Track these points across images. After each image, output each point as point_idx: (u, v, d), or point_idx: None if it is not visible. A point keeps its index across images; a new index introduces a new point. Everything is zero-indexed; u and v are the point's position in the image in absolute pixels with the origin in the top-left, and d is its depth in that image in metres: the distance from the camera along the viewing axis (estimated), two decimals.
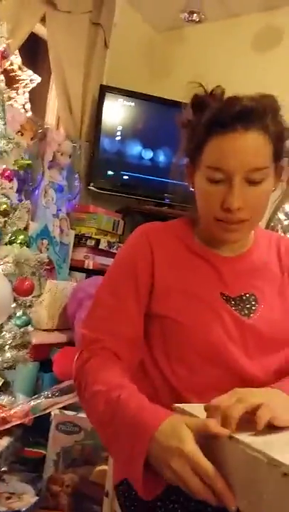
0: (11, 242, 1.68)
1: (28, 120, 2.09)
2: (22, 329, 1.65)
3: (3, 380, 1.68)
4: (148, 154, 2.67)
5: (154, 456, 0.67)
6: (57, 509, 1.59)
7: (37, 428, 1.72)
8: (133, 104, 2.66)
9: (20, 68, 2.24)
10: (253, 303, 0.93)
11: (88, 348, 0.90)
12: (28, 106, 2.26)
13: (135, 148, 2.65)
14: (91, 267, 2.42)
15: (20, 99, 2.23)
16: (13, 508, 1.49)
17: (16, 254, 1.64)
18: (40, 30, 2.48)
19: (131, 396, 0.76)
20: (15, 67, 2.20)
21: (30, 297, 1.69)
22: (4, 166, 1.67)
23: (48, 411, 1.66)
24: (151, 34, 3.12)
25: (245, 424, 0.65)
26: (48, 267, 1.85)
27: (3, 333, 1.65)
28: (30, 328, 1.71)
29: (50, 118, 2.66)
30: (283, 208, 2.64)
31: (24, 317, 1.63)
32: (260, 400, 0.68)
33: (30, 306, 1.67)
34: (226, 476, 0.61)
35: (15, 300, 1.66)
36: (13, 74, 2.20)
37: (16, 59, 2.22)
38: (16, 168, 1.72)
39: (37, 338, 1.79)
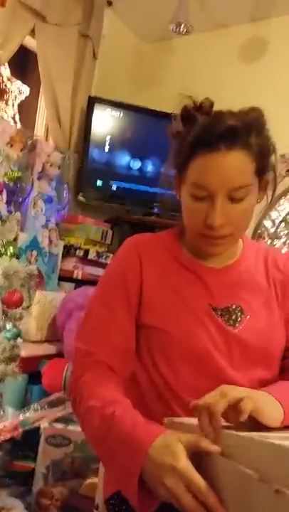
0: (0, 254, 1.68)
1: (17, 132, 2.09)
2: (11, 342, 1.65)
3: None
4: (136, 164, 2.69)
5: (148, 473, 0.68)
6: None
7: (26, 441, 1.71)
8: (122, 114, 2.68)
9: (9, 79, 2.25)
10: (239, 314, 0.95)
11: (82, 361, 0.92)
12: (17, 117, 2.26)
13: (124, 159, 2.67)
14: (80, 277, 2.41)
15: (9, 111, 2.24)
16: None
17: (6, 266, 1.64)
18: (30, 42, 2.49)
19: (125, 412, 0.78)
20: (4, 79, 2.21)
21: (19, 309, 1.69)
22: None
23: (37, 424, 1.65)
24: (139, 45, 3.15)
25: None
26: (37, 279, 1.85)
27: None
28: (19, 340, 1.70)
29: (39, 129, 2.67)
30: (270, 215, 2.67)
31: (14, 330, 1.63)
32: (243, 394, 0.70)
33: (20, 318, 1.67)
34: (218, 492, 0.63)
35: (5, 313, 1.66)
36: (3, 85, 2.20)
37: (5, 71, 2.23)
38: (6, 181, 1.72)
39: (26, 350, 1.78)
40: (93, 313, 0.97)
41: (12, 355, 1.68)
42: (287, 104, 2.56)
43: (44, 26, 2.41)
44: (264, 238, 2.68)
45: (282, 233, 2.65)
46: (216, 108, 0.91)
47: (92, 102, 2.62)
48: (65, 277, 2.40)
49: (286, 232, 2.65)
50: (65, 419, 1.68)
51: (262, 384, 0.90)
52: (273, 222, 2.67)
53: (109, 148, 2.64)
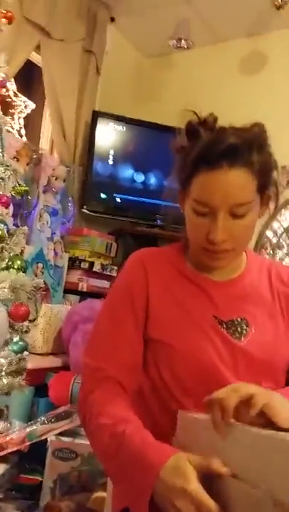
0: (8, 268, 1.69)
1: (23, 146, 2.11)
2: (18, 355, 1.65)
3: None
4: (140, 177, 2.72)
5: (159, 494, 0.68)
6: None
7: (33, 454, 1.70)
8: (125, 128, 2.72)
9: (15, 94, 2.28)
10: (245, 327, 0.95)
11: (91, 376, 0.92)
12: (23, 131, 2.29)
13: (127, 172, 2.70)
14: (85, 290, 2.43)
15: (15, 125, 2.27)
16: None
17: (12, 279, 1.64)
18: (35, 57, 2.53)
19: (136, 431, 0.78)
20: (10, 93, 2.24)
21: (26, 322, 1.69)
22: (1, 193, 1.69)
23: (44, 437, 1.65)
24: (141, 60, 3.20)
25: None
26: (43, 292, 1.86)
27: None
28: (26, 353, 1.71)
29: (44, 143, 2.70)
30: (271, 225, 2.69)
31: (21, 343, 1.63)
32: (255, 390, 0.71)
33: (26, 331, 1.67)
34: None
35: (12, 326, 1.66)
36: (9, 100, 2.23)
37: (11, 85, 2.26)
38: (14, 195, 1.74)
39: (32, 363, 1.78)
40: (101, 328, 0.98)
41: (19, 369, 1.68)
42: (286, 116, 2.60)
43: (49, 42, 2.45)
44: (266, 248, 2.70)
45: (284, 243, 2.67)
46: (218, 118, 0.93)
47: (95, 116, 2.66)
48: (70, 289, 2.41)
49: (288, 242, 2.67)
50: (72, 433, 1.68)
51: None
52: (275, 232, 2.69)
53: (113, 162, 2.68)
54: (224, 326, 0.94)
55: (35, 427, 1.66)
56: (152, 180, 2.73)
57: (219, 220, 0.87)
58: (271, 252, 2.68)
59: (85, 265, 2.44)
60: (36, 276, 2.07)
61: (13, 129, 2.22)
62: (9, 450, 1.60)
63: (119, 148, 2.70)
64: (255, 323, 0.96)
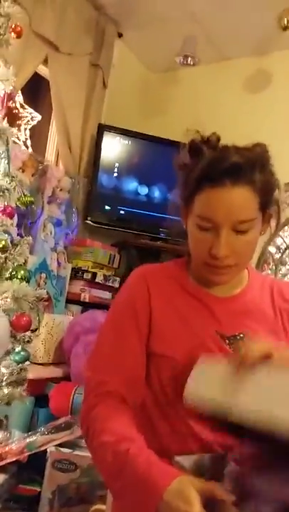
0: (11, 277, 1.70)
1: (29, 157, 2.14)
2: (20, 365, 1.65)
3: None
4: (144, 190, 2.74)
5: None
6: None
7: (32, 465, 1.70)
8: (130, 142, 2.75)
9: (22, 106, 2.32)
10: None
11: (94, 391, 0.92)
12: (28, 142, 2.32)
13: (131, 185, 2.73)
14: (87, 300, 2.44)
15: (21, 136, 2.30)
16: None
17: (15, 289, 1.65)
18: (42, 70, 2.57)
19: (140, 450, 0.78)
20: (17, 105, 2.28)
21: (28, 332, 1.70)
22: (5, 204, 1.71)
23: (43, 448, 1.64)
24: (147, 75, 3.24)
25: None
26: (46, 303, 1.86)
27: (0, 369, 1.64)
28: (27, 363, 1.71)
29: (50, 154, 2.73)
30: (274, 241, 2.70)
31: (23, 353, 1.63)
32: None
33: (28, 341, 1.68)
34: None
35: (14, 336, 1.67)
36: (15, 112, 2.27)
37: (18, 97, 2.30)
38: (19, 205, 1.75)
39: (33, 373, 1.78)
40: (104, 343, 0.98)
41: (19, 379, 1.68)
42: None
43: (57, 55, 2.49)
44: (269, 264, 2.71)
45: (287, 259, 2.68)
46: (222, 135, 0.95)
47: (101, 129, 2.70)
48: (72, 300, 2.42)
49: None
50: (72, 444, 1.68)
51: None
52: (278, 248, 2.70)
53: (118, 174, 2.70)
54: (226, 341, 0.95)
55: (34, 438, 1.66)
56: (156, 193, 2.75)
57: (222, 236, 0.89)
58: (274, 267, 2.69)
59: (87, 276, 2.46)
60: (39, 286, 2.08)
61: (19, 140, 2.25)
62: (8, 460, 1.60)
63: (124, 161, 2.73)
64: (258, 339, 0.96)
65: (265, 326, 0.98)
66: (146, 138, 2.78)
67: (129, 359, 0.94)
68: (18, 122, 2.31)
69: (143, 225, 2.72)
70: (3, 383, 1.64)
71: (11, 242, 1.72)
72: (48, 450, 1.65)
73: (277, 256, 2.70)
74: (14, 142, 2.13)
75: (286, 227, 2.68)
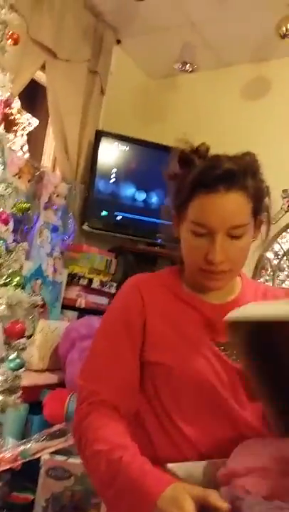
0: (6, 284, 1.69)
1: (26, 163, 2.14)
2: (14, 372, 1.64)
3: None
4: (141, 196, 2.75)
5: None
6: None
7: (25, 472, 1.69)
8: (127, 148, 2.76)
9: (19, 112, 2.32)
10: None
11: (86, 400, 0.92)
12: (25, 148, 2.32)
13: (129, 190, 2.73)
14: (83, 306, 2.43)
15: (18, 142, 2.30)
16: None
17: (9, 296, 1.65)
18: (40, 76, 2.58)
19: (133, 457, 0.78)
20: (14, 110, 2.28)
21: (23, 339, 1.69)
22: (1, 210, 1.71)
23: (37, 455, 1.64)
24: (146, 82, 3.25)
25: None
26: (41, 309, 1.86)
27: None
28: (21, 370, 1.70)
29: (47, 160, 2.73)
30: (272, 247, 2.70)
31: (18, 360, 1.63)
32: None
33: (23, 349, 1.67)
34: None
35: (8, 343, 1.66)
36: (12, 117, 2.27)
37: (15, 103, 2.30)
38: (15, 212, 1.75)
39: (27, 380, 1.77)
40: (97, 352, 0.98)
41: (13, 386, 1.67)
42: (287, 141, 2.64)
43: (54, 62, 2.50)
44: (267, 270, 2.71)
45: (285, 265, 2.68)
46: (220, 141, 0.97)
47: (99, 135, 2.70)
48: (68, 306, 2.41)
49: None
50: (66, 451, 1.67)
51: (265, 416, 0.91)
52: (276, 254, 2.70)
53: (115, 180, 2.71)
54: (221, 347, 0.95)
55: (28, 445, 1.65)
56: (153, 199, 2.76)
57: (218, 242, 0.89)
58: (272, 273, 2.69)
59: (84, 281, 2.45)
60: (34, 292, 2.08)
61: (15, 145, 2.25)
62: (2, 468, 1.59)
63: (121, 167, 2.74)
64: None
65: None
66: (144, 144, 2.79)
67: (122, 369, 0.94)
68: (14, 128, 2.31)
69: (140, 231, 2.73)
70: None
71: (6, 248, 1.71)
72: (41, 457, 1.64)
73: (275, 262, 2.70)
74: (10, 148, 2.14)
75: (284, 233, 2.68)
